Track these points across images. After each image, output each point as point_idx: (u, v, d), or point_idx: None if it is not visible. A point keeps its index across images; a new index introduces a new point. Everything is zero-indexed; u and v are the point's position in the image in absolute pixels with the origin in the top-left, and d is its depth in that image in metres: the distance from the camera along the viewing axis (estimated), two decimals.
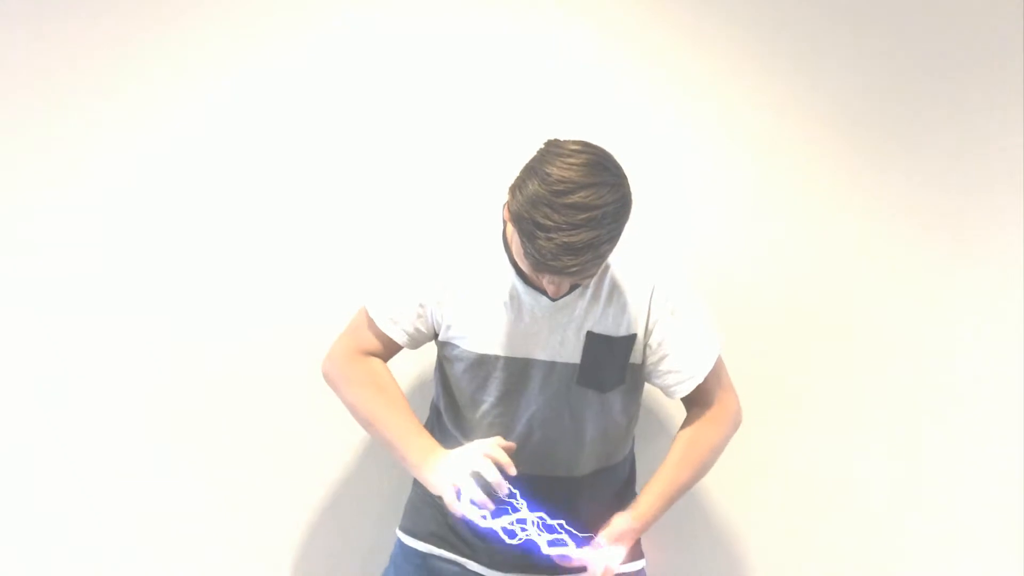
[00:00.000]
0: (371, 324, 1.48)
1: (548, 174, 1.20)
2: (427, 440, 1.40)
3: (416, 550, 1.52)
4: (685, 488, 1.47)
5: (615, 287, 1.41)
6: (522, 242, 1.24)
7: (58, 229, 1.75)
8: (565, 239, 1.19)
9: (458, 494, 1.30)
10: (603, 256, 1.25)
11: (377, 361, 1.49)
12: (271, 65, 1.75)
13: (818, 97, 1.81)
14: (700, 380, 1.46)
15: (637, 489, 1.61)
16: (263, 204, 1.77)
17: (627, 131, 1.77)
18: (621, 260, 1.41)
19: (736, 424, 1.53)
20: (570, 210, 1.18)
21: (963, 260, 1.85)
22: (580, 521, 1.37)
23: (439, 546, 1.50)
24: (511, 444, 1.37)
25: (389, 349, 1.50)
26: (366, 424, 1.46)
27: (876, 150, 1.82)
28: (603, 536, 1.39)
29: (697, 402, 1.50)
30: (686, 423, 1.50)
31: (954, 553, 1.89)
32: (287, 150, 1.76)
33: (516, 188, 1.25)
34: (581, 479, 1.48)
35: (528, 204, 1.20)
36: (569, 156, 1.22)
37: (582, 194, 1.19)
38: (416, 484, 1.56)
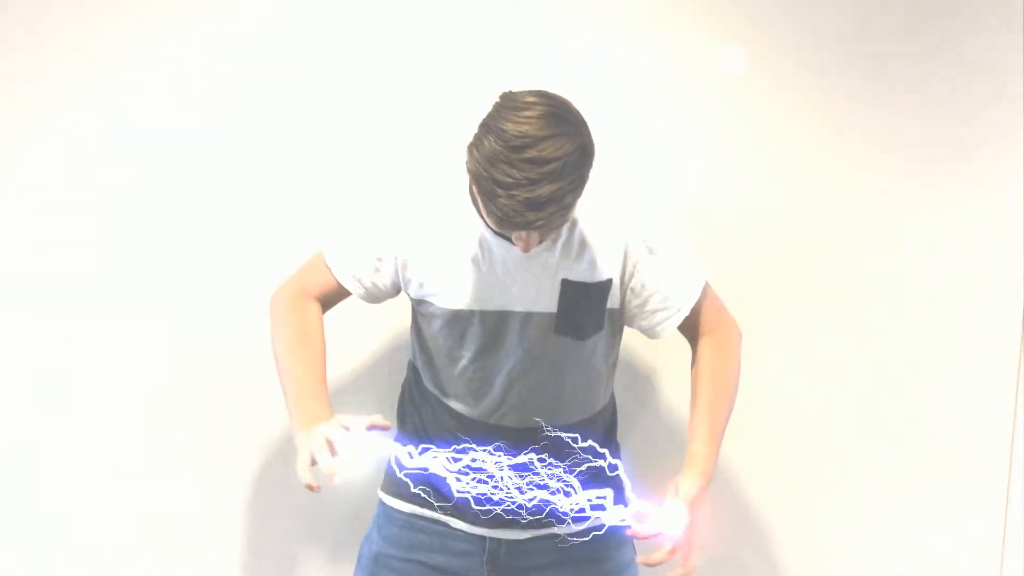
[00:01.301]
0: (327, 271, 1.47)
1: (504, 130, 1.18)
2: (318, 406, 1.35)
3: (399, 511, 1.52)
4: (726, 423, 1.44)
5: (588, 233, 1.40)
6: (483, 201, 1.22)
7: (58, 229, 1.75)
8: (527, 195, 1.17)
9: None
10: (568, 207, 1.23)
11: (316, 311, 1.47)
12: (256, 49, 1.74)
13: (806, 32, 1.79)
14: (686, 313, 1.45)
15: (619, 437, 1.61)
16: (262, 203, 1.77)
17: (594, 74, 1.75)
18: (593, 205, 1.39)
19: (740, 339, 1.51)
20: (529, 165, 1.16)
21: (955, 199, 1.82)
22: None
23: (422, 506, 1.49)
24: (387, 423, 1.31)
25: (337, 296, 1.49)
26: (277, 368, 1.44)
27: (863, 84, 1.80)
28: (681, 503, 1.32)
29: (700, 332, 1.48)
30: (698, 360, 1.48)
31: (932, 501, 1.89)
32: (285, 146, 1.75)
33: (473, 147, 1.22)
34: (565, 429, 1.45)
35: (486, 162, 1.18)
36: (524, 109, 1.19)
37: (540, 147, 1.17)
38: None
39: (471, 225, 1.39)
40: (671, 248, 1.45)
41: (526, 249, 1.30)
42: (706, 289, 1.48)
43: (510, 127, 1.18)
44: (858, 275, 1.83)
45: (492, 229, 1.35)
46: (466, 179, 1.35)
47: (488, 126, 1.21)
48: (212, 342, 1.78)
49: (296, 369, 1.40)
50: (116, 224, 1.76)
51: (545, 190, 1.17)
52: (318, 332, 1.45)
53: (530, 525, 1.44)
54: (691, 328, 1.48)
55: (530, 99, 1.21)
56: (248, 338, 1.76)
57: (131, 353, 1.78)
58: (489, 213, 1.23)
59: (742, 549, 1.89)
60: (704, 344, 1.48)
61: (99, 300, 1.77)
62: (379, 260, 1.44)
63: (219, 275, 1.78)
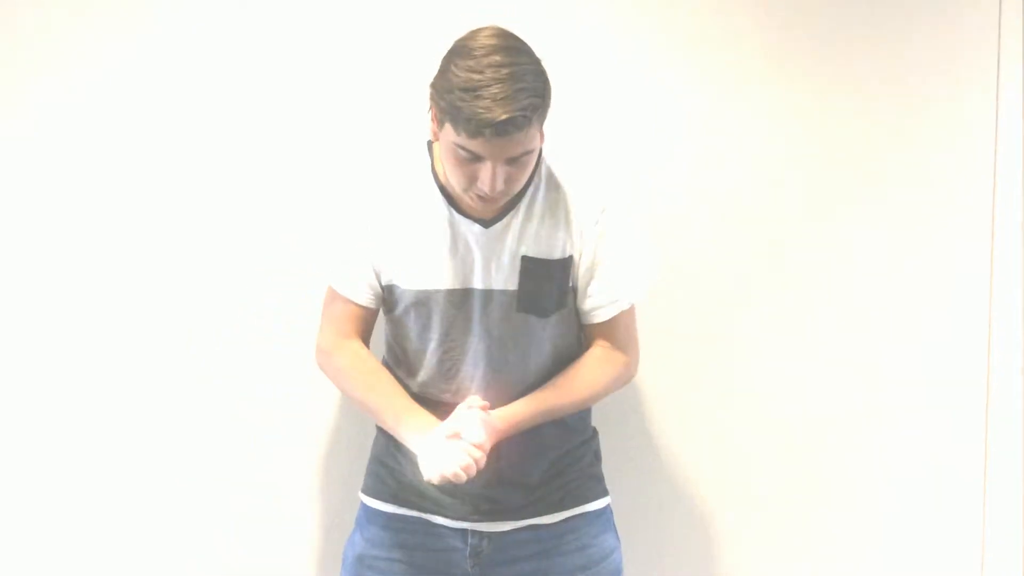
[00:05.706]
0: (339, 299, 1.51)
1: (466, 46, 1.29)
2: (419, 419, 1.42)
3: (379, 511, 1.53)
4: (554, 414, 1.47)
5: (548, 209, 1.45)
6: (452, 118, 1.28)
7: (58, 229, 1.76)
8: (493, 91, 1.24)
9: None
10: (532, 113, 1.27)
11: (357, 345, 1.51)
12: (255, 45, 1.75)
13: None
14: (625, 306, 1.49)
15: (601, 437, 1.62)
16: (263, 204, 1.77)
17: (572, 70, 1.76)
18: (555, 180, 1.45)
19: (628, 377, 1.55)
20: (493, 68, 1.25)
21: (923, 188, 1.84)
22: (541, 456, 1.48)
23: (401, 505, 1.51)
24: (485, 404, 1.40)
25: (365, 320, 1.53)
26: (365, 411, 1.51)
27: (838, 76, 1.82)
28: (481, 420, 1.39)
29: (602, 336, 1.51)
30: (586, 355, 1.51)
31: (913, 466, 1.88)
32: (285, 144, 1.77)
33: (437, 78, 1.32)
34: None
35: (453, 77, 1.27)
36: (480, 32, 1.31)
37: (502, 55, 1.27)
38: (375, 447, 1.59)
39: (432, 206, 1.44)
40: (625, 236, 1.47)
41: (491, 189, 1.31)
42: (631, 308, 1.51)
43: (471, 43, 1.29)
44: (830, 267, 1.84)
45: (453, 207, 1.42)
46: (424, 163, 1.45)
47: (450, 54, 1.31)
48: (211, 342, 1.78)
49: (381, 401, 1.47)
50: (116, 223, 1.77)
51: (509, 87, 1.25)
52: (375, 363, 1.52)
53: (510, 517, 1.47)
54: (597, 328, 1.50)
55: (484, 27, 1.33)
56: (248, 338, 1.78)
57: (131, 353, 1.78)
58: (459, 123, 1.27)
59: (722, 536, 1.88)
60: (596, 347, 1.51)
61: (99, 300, 1.77)
62: (373, 268, 1.49)
63: (219, 275, 1.78)
